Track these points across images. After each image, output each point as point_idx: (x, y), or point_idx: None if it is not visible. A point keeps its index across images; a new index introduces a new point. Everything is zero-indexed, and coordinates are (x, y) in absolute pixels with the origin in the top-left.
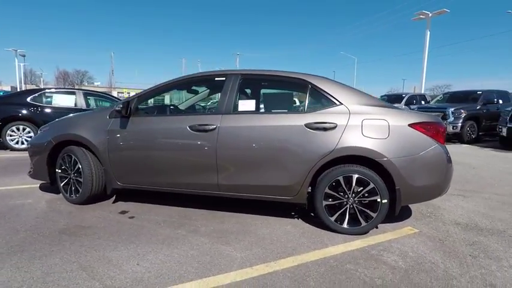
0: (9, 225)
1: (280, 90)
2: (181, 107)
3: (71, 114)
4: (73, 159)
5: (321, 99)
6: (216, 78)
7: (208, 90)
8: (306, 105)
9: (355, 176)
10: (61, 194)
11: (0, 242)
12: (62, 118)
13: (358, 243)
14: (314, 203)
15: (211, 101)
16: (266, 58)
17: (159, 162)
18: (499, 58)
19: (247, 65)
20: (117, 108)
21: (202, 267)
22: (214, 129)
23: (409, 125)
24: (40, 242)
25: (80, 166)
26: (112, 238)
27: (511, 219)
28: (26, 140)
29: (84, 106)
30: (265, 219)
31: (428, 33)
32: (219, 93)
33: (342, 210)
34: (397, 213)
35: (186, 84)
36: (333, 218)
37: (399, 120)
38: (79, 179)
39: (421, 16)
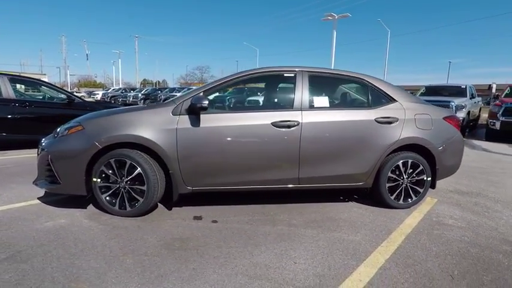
0: (96, 254)
1: (343, 87)
2: (247, 102)
3: (102, 111)
4: (128, 164)
5: (380, 97)
6: (286, 74)
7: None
8: (370, 101)
9: (410, 161)
10: (84, 208)
11: (120, 276)
12: (92, 116)
13: (417, 214)
14: (377, 185)
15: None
16: (170, 42)
17: (238, 160)
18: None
19: (148, 47)
20: (182, 104)
21: (345, 253)
22: (298, 125)
23: (443, 118)
24: (157, 262)
25: (142, 172)
26: (226, 244)
27: (476, 184)
28: None
29: (10, 95)
30: (332, 206)
31: (335, 33)
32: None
33: (398, 190)
34: (435, 187)
35: (255, 78)
36: (392, 197)
37: (437, 115)
38: (137, 187)
39: (329, 17)
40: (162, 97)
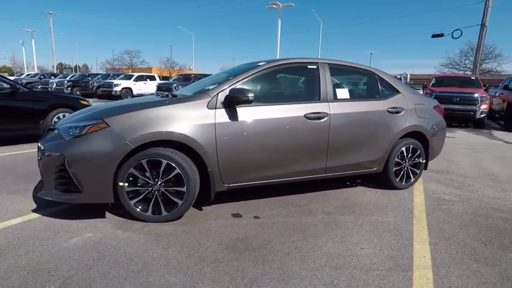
0: (166, 268)
1: (356, 79)
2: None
3: (117, 105)
4: (164, 164)
5: (388, 89)
6: (309, 66)
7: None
8: (380, 93)
9: (411, 146)
10: (103, 217)
11: (213, 287)
12: (113, 111)
13: (418, 193)
14: (386, 170)
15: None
16: (92, 22)
17: (274, 154)
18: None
19: (64, 27)
20: (217, 97)
21: (393, 234)
22: (327, 116)
23: (434, 107)
24: (238, 267)
25: (181, 172)
26: (288, 239)
27: (440, 163)
28: None
29: None
30: (347, 192)
31: (280, 21)
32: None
33: (401, 172)
34: (427, 168)
35: (281, 70)
36: (397, 179)
37: (430, 104)
38: (175, 189)
39: (274, 6)
40: (95, 84)
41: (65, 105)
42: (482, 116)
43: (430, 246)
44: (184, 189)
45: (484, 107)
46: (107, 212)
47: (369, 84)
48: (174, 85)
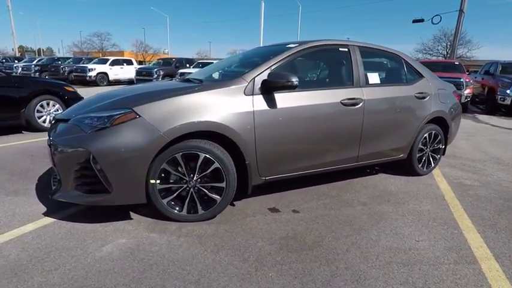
0: (226, 276)
1: (384, 63)
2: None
3: (143, 89)
4: (202, 158)
5: (413, 73)
6: (341, 49)
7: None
8: (407, 78)
9: (433, 132)
10: (128, 218)
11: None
12: (141, 99)
13: (439, 179)
14: (411, 156)
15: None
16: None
17: (312, 143)
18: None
19: (24, 5)
20: (254, 82)
21: (439, 223)
22: (362, 102)
23: (453, 92)
24: (304, 269)
25: (220, 166)
26: (340, 234)
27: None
28: None
29: None
30: (371, 180)
31: (263, 4)
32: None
33: (424, 159)
34: (445, 154)
35: (315, 52)
36: (420, 165)
37: (450, 89)
38: (212, 185)
39: None
40: (66, 69)
41: (48, 91)
42: (466, 100)
43: (480, 234)
44: (223, 184)
45: (468, 91)
46: (131, 213)
47: (395, 69)
48: (155, 70)
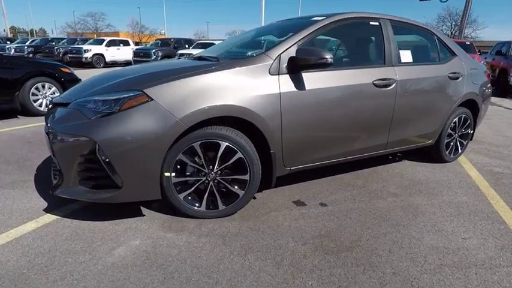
0: (261, 285)
1: (416, 39)
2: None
3: (152, 68)
4: (224, 147)
5: (445, 51)
6: (371, 23)
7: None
8: (440, 56)
9: (463, 116)
10: (139, 215)
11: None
12: (153, 80)
13: (467, 166)
14: (439, 142)
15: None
16: None
17: (340, 129)
18: None
19: None
20: (280, 59)
21: (481, 217)
22: (394, 83)
23: (483, 73)
24: (347, 275)
25: (244, 156)
26: (377, 231)
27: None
28: None
29: None
30: (396, 167)
31: None
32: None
33: (452, 144)
34: (472, 139)
35: (344, 26)
36: (447, 152)
37: (481, 69)
38: (235, 177)
39: None
40: (61, 50)
41: (44, 73)
42: None
43: None
44: (246, 177)
45: None
46: (143, 208)
47: (428, 46)
48: (153, 50)
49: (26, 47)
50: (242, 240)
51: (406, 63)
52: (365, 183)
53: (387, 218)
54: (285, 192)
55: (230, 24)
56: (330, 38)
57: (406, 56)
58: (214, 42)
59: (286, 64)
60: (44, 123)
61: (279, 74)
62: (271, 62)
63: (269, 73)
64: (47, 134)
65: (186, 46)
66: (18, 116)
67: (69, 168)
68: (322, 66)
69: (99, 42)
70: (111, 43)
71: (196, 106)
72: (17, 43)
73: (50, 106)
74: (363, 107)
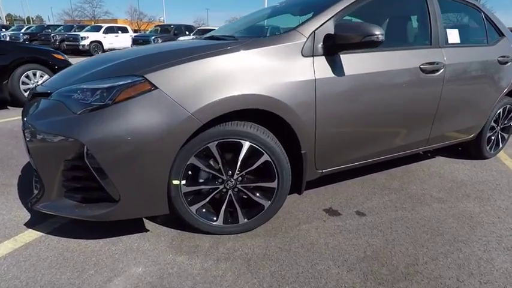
0: None
1: (462, 17)
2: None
3: (156, 49)
4: (247, 148)
5: (493, 31)
6: None
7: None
8: (488, 37)
9: (508, 106)
10: (134, 231)
11: None
12: (154, 62)
13: (510, 162)
14: (480, 136)
15: None
16: None
17: (382, 123)
18: None
19: None
20: (314, 37)
21: None
22: (443, 68)
23: None
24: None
25: (271, 159)
26: (434, 250)
27: None
28: None
29: None
30: (430, 165)
31: None
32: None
33: (493, 139)
34: None
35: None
36: (488, 147)
37: None
38: (260, 185)
39: None
40: (57, 38)
41: (35, 59)
42: None
43: None
44: (274, 184)
45: None
46: (145, 221)
47: (474, 25)
48: (153, 37)
49: (21, 35)
50: (271, 265)
51: (454, 45)
52: (402, 186)
53: (441, 231)
54: (312, 197)
55: (230, 11)
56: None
57: (453, 36)
58: (215, 28)
59: (321, 43)
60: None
61: (313, 56)
62: (304, 40)
63: (302, 54)
64: (23, 132)
65: (187, 33)
66: (9, 107)
67: (51, 177)
68: (370, 45)
69: (97, 29)
70: (109, 30)
71: (214, 96)
72: (12, 30)
73: (30, 97)
74: (408, 96)
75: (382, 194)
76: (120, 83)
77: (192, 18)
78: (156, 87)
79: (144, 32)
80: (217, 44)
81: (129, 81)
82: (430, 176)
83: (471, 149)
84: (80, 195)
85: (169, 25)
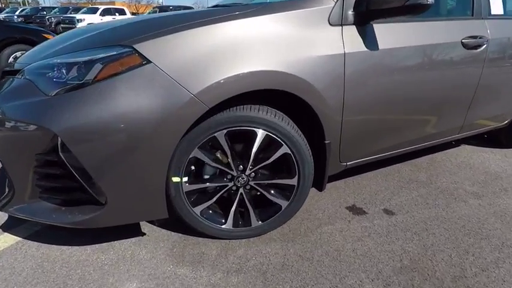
0: None
1: None
2: None
3: (149, 16)
4: (260, 139)
5: None
6: None
7: None
8: None
9: None
10: (128, 236)
11: None
12: (143, 31)
13: None
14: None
15: None
16: None
17: (417, 108)
18: None
19: None
20: (345, 1)
21: None
22: (486, 43)
23: None
24: None
25: (291, 150)
26: (482, 259)
27: None
28: None
29: None
30: (458, 154)
31: None
32: None
33: None
34: None
35: None
36: None
37: None
38: (276, 182)
39: None
40: (53, 20)
41: (23, 39)
42: None
43: None
44: (294, 181)
45: None
46: (141, 222)
47: None
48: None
49: (15, 17)
50: (292, 278)
51: (498, 16)
52: (430, 178)
53: (485, 234)
54: (331, 193)
55: None
56: None
57: (496, 5)
58: None
59: (352, 10)
60: None
61: (342, 25)
62: (332, 5)
63: (328, 23)
64: None
65: None
66: None
67: (22, 174)
68: (414, 11)
69: (93, 11)
70: (105, 12)
71: (223, 73)
72: (6, 13)
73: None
74: (448, 75)
75: (410, 189)
76: (103, 55)
77: (191, 0)
78: (149, 61)
79: (142, 14)
80: (224, 9)
81: (114, 53)
82: (459, 167)
83: (502, 137)
84: (59, 197)
85: (168, 6)
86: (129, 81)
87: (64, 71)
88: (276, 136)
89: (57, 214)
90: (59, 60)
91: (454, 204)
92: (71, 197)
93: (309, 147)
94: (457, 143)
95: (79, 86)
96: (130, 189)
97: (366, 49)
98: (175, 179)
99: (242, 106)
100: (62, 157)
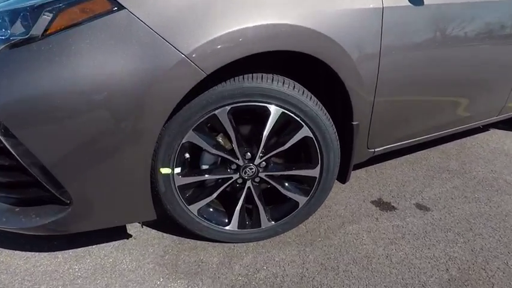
0: None
1: None
2: None
3: None
4: (273, 118)
5: None
6: None
7: None
8: None
9: None
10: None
11: None
12: None
13: None
14: None
15: None
16: None
17: (461, 82)
18: None
19: None
20: None
21: None
22: None
23: None
24: None
25: (313, 134)
26: None
27: None
28: None
29: None
30: (482, 140)
31: None
32: None
33: None
34: None
35: None
36: None
37: None
38: (292, 173)
39: None
40: None
41: None
42: None
43: None
44: (315, 172)
45: None
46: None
47: None
48: None
49: None
50: None
51: None
52: (463, 167)
53: None
54: (352, 184)
55: None
56: None
57: None
58: None
59: None
60: None
61: None
62: None
63: None
64: None
65: None
66: None
67: None
68: None
69: None
70: None
71: (224, 25)
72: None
73: None
74: (495, 43)
75: (443, 179)
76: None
77: None
78: (122, 7)
79: None
80: None
81: None
82: (493, 154)
83: None
84: (13, 195)
85: None
86: (93, 35)
87: (6, 23)
88: (295, 115)
89: (7, 217)
90: None
91: (497, 198)
92: (27, 195)
93: (335, 130)
94: (484, 127)
95: (24, 42)
96: (103, 184)
97: (408, 3)
98: (165, 171)
99: (251, 74)
100: (5, 143)
